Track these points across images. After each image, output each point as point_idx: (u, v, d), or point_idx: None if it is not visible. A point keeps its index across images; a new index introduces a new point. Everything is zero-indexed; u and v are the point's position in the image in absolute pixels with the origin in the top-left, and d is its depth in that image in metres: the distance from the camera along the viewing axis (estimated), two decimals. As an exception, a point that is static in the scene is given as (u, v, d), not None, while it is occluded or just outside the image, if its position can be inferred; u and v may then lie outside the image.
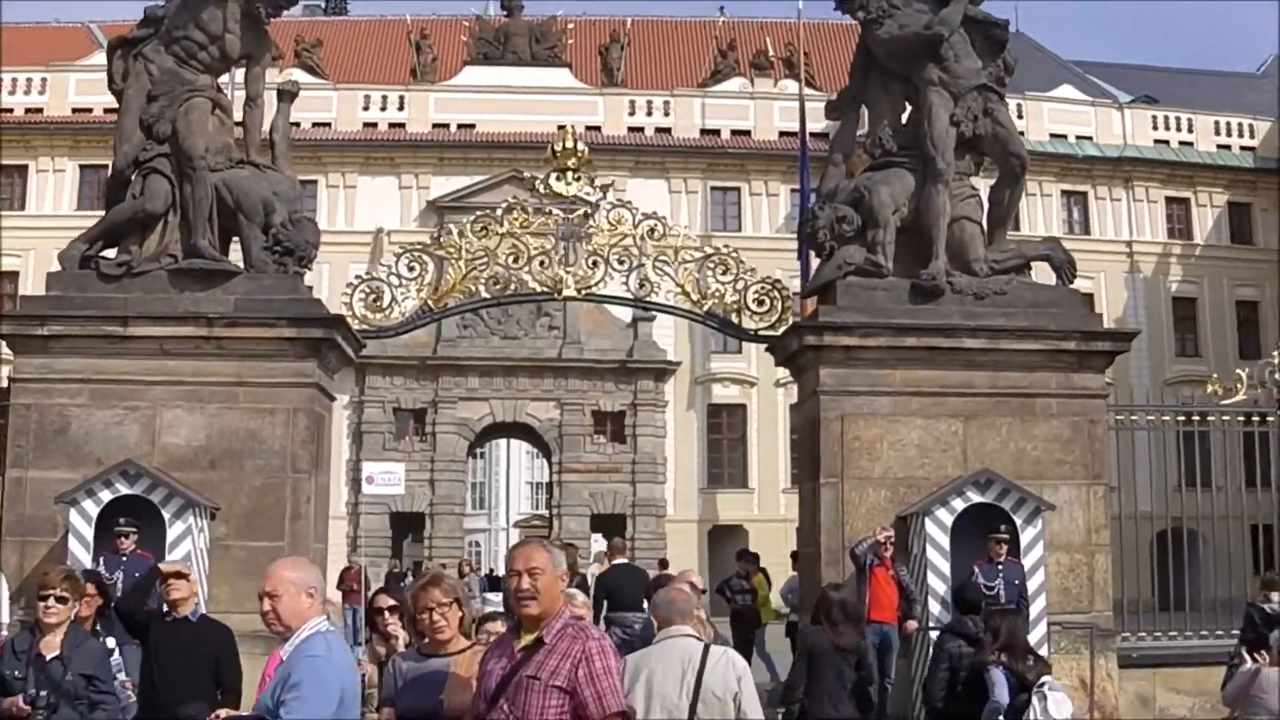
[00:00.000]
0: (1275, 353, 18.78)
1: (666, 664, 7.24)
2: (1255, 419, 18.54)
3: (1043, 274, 17.90)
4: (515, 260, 17.74)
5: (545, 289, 17.85)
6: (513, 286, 17.92)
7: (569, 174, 17.85)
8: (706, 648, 7.33)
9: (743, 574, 21.76)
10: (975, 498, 15.87)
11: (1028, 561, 15.77)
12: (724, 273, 17.75)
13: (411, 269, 17.81)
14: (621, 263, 17.80)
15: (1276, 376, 18.51)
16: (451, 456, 54.46)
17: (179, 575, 10.29)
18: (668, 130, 56.86)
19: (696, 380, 53.90)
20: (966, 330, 16.65)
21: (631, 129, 56.79)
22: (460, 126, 56.45)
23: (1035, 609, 15.70)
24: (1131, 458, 18.32)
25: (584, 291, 17.84)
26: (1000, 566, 15.43)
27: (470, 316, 54.32)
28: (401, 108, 57.25)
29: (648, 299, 17.99)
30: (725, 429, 54.38)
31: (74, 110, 54.68)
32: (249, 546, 15.81)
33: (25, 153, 53.43)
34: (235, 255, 17.07)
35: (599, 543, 53.84)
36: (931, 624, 15.40)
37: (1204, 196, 57.78)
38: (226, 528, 15.98)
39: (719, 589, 21.80)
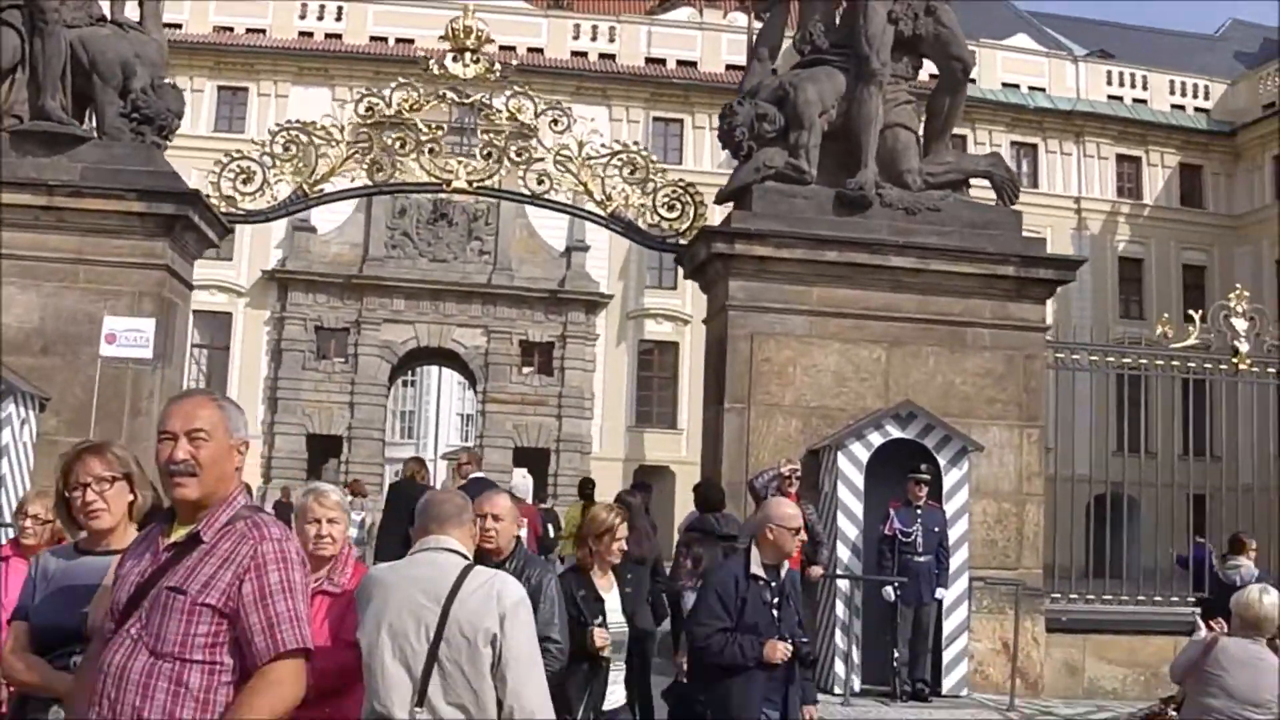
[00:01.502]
0: (1231, 296, 17.05)
1: (407, 589, 5.07)
2: (1208, 365, 16.87)
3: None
4: (402, 146, 15.96)
5: (433, 179, 16.05)
6: (397, 175, 16.05)
7: (467, 55, 15.99)
8: (467, 569, 5.10)
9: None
10: (895, 433, 14.18)
11: (950, 507, 14.11)
12: (632, 173, 16.02)
13: (287, 149, 16.00)
14: (520, 155, 15.97)
15: (1231, 321, 16.81)
16: (373, 379, 52.59)
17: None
18: (611, 57, 54.87)
19: (629, 315, 52.21)
20: (894, 247, 14.94)
21: (575, 53, 54.79)
22: (399, 41, 54.25)
23: (956, 561, 14.05)
24: (1071, 410, 16.68)
25: (475, 185, 16.02)
26: (919, 511, 13.71)
27: (399, 236, 52.86)
28: (339, 19, 55.09)
29: (545, 196, 16.14)
30: (656, 367, 52.74)
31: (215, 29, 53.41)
32: (80, 445, 13.91)
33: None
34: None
35: (527, 480, 52.25)
36: (841, 571, 13.75)
37: (1155, 156, 56.62)
38: (56, 420, 14.13)
39: (682, 544, 19.74)
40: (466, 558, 5.20)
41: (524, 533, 20.46)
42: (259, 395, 52.46)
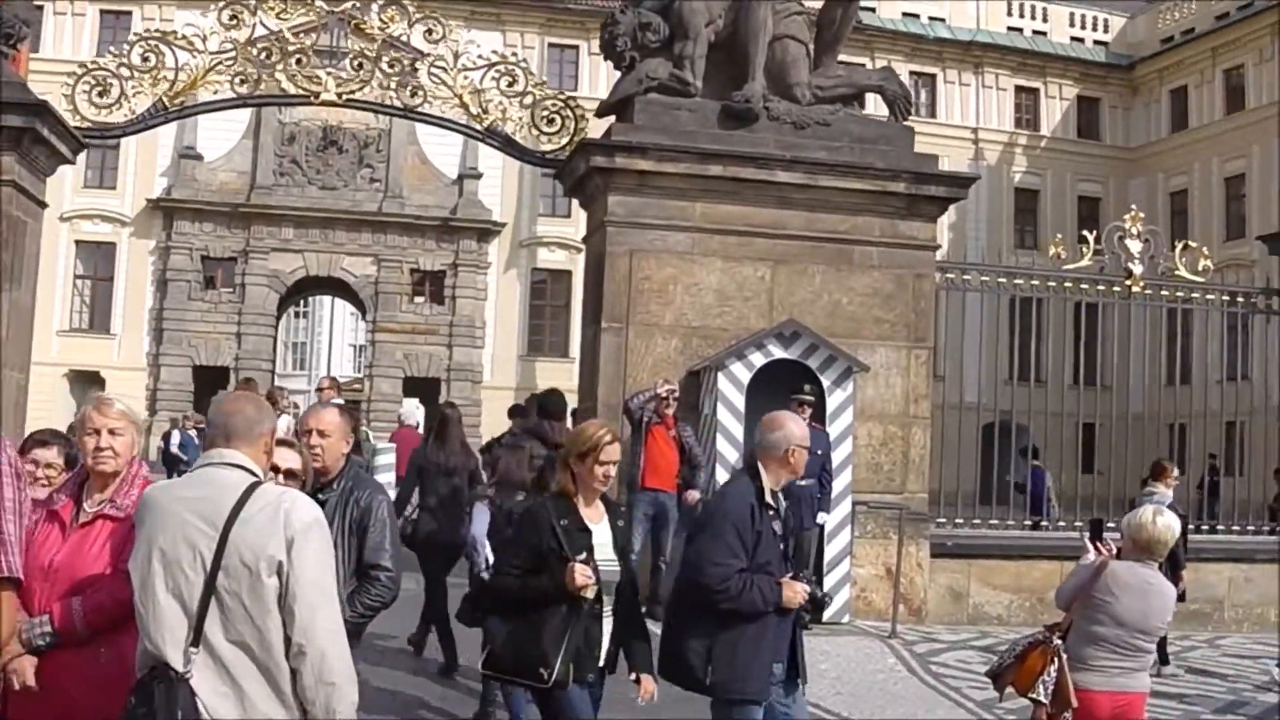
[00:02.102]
0: (1126, 218, 16.70)
1: (181, 511, 4.24)
2: (1100, 288, 16.54)
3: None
4: (269, 58, 15.17)
5: (301, 92, 15.27)
6: (263, 87, 15.27)
7: (341, -43, 15.24)
8: (252, 488, 4.27)
9: (518, 430, 18.81)
10: (778, 353, 13.73)
11: (834, 429, 13.71)
12: (510, 85, 15.32)
13: (146, 60, 15.11)
14: (392, 67, 15.26)
15: (1125, 243, 16.47)
16: (261, 309, 51.73)
17: None
18: (508, -20, 53.91)
19: (521, 243, 51.55)
20: (781, 162, 14.42)
21: (469, -25, 53.75)
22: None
23: (839, 485, 13.68)
24: (961, 335, 16.32)
25: (345, 97, 15.28)
26: (802, 433, 13.26)
27: (288, 164, 51.86)
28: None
29: (419, 110, 15.43)
30: (549, 295, 52.23)
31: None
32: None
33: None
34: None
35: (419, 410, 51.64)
36: (719, 495, 13.30)
37: (1054, 88, 56.93)
38: (-108, 346, 13.29)
39: (483, 449, 18.91)
40: (255, 475, 4.41)
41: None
42: (144, 326, 51.62)
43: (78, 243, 51.88)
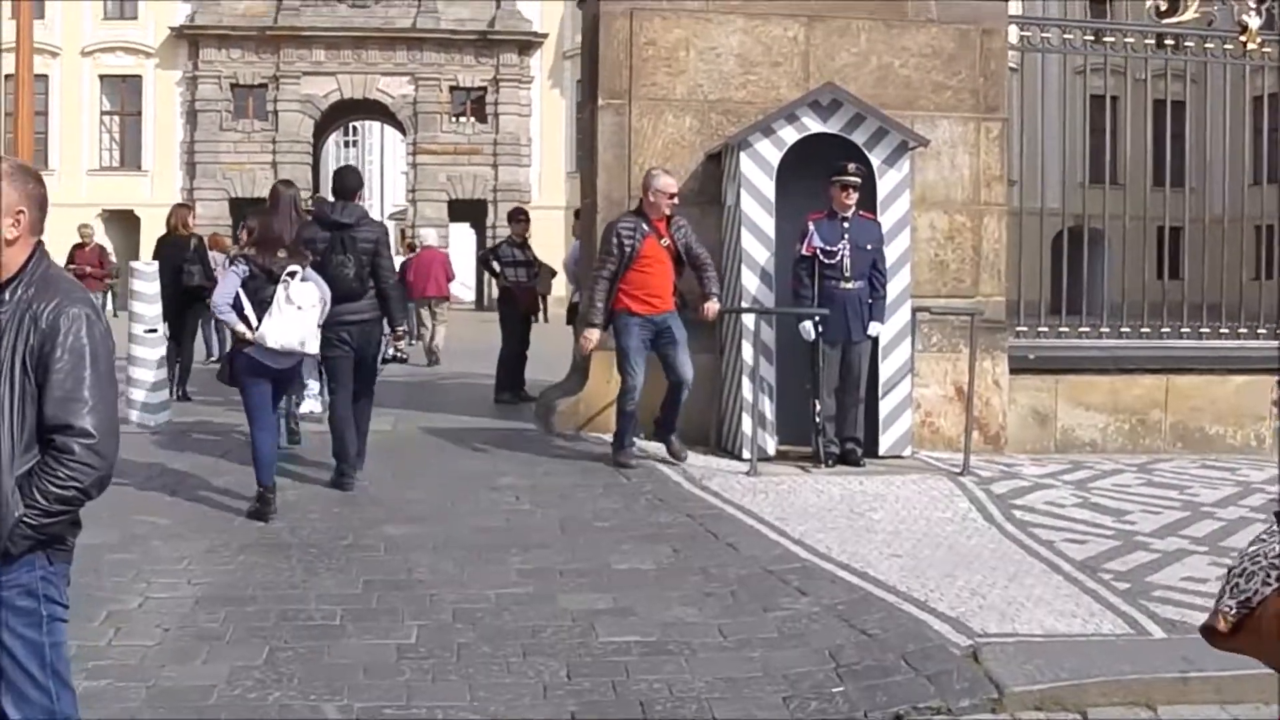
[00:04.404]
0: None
1: None
2: (1209, 45, 13.63)
3: None
4: None
5: None
6: None
7: None
8: None
9: (517, 239, 16.27)
10: (814, 126, 11.02)
11: (887, 220, 11.04)
12: None
13: None
14: None
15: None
16: (296, 137, 49.72)
17: None
18: None
19: (565, 54, 48.73)
20: (813, -114, 11.62)
21: None
22: None
23: (895, 288, 11.03)
24: (1037, 116, 13.59)
25: None
26: (846, 224, 10.63)
27: None
28: None
29: None
30: (598, 108, 49.57)
31: None
32: None
33: None
34: None
35: (459, 233, 49.75)
36: (747, 304, 10.76)
37: None
38: None
39: (482, 258, 16.53)
40: None
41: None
42: (176, 161, 49.94)
43: (101, 77, 50.04)
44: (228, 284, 9.11)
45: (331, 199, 10.70)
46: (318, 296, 8.98)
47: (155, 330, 12.63)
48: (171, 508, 8.85)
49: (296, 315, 8.79)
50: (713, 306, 10.55)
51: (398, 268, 23.44)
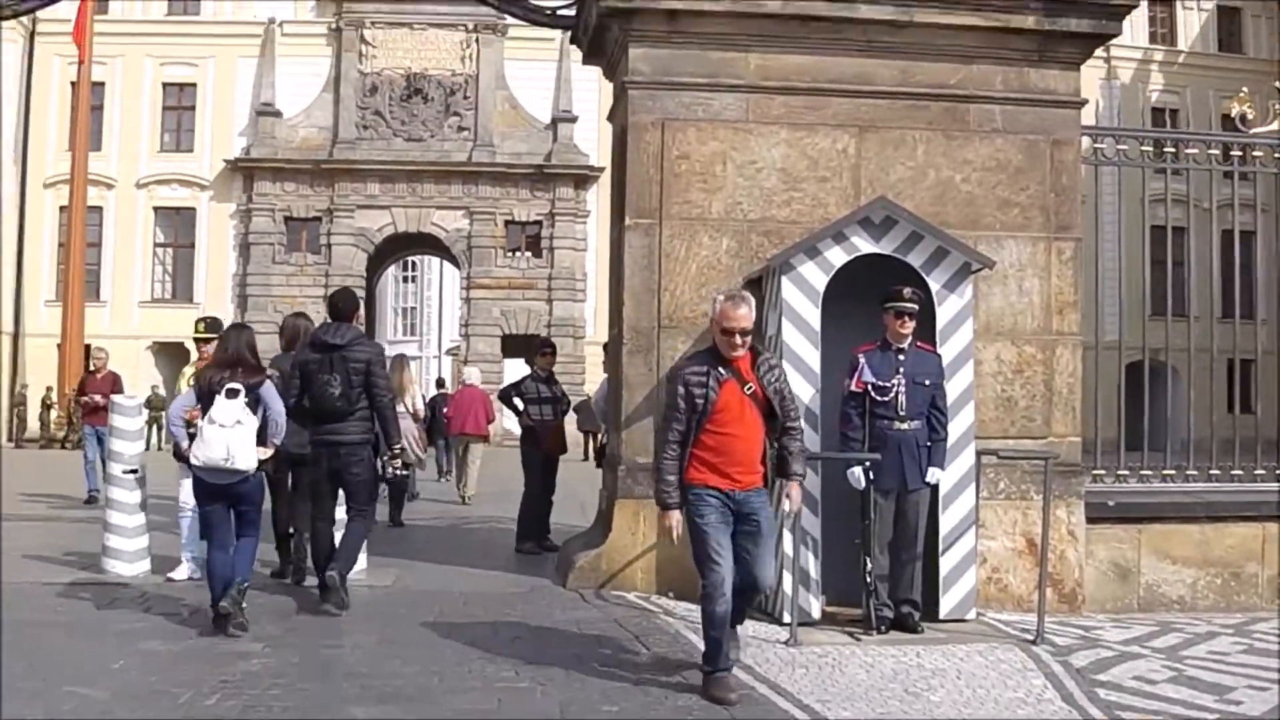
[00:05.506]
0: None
1: None
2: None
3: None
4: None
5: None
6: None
7: None
8: None
9: (542, 373, 15.01)
10: (865, 246, 9.84)
11: (948, 351, 9.82)
12: (510, -79, 11.65)
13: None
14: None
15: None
16: (349, 270, 49.12)
17: None
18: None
19: (622, 188, 48.16)
20: (864, -10, 10.55)
21: None
22: None
23: (958, 428, 9.78)
24: (1099, 232, 12.41)
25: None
26: (901, 357, 9.43)
27: (371, 116, 49.44)
28: None
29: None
30: (653, 241, 48.93)
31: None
32: None
33: None
34: None
35: (514, 369, 48.86)
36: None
37: (1190, -1, 52.87)
38: None
39: (504, 395, 15.34)
40: None
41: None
42: (228, 293, 49.74)
43: (156, 209, 50.01)
44: (178, 401, 9.59)
45: (330, 321, 10.68)
46: (240, 415, 9.04)
47: (136, 470, 11.60)
48: (113, 677, 7.62)
49: (218, 432, 8.97)
50: (797, 494, 8.03)
51: (434, 403, 23.31)
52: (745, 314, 7.57)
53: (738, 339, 7.56)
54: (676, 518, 7.60)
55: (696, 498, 7.58)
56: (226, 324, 10.91)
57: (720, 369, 7.63)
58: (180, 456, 9.57)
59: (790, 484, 7.90)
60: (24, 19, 43.51)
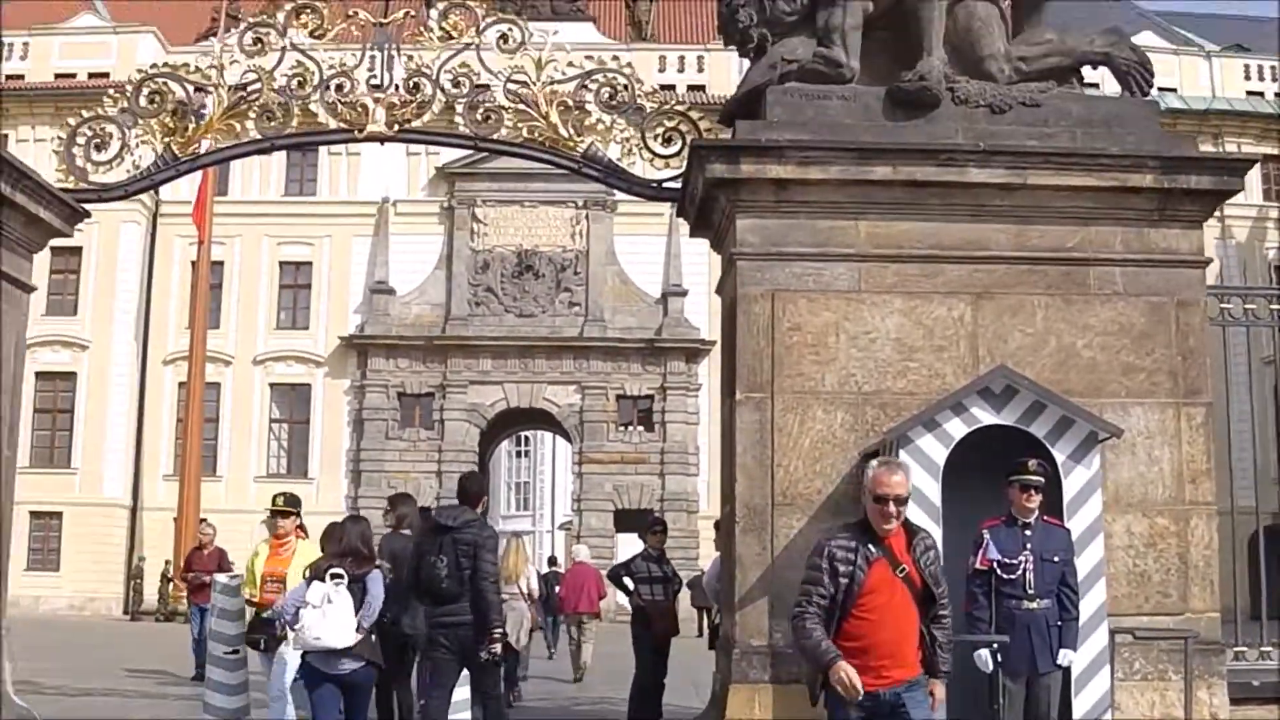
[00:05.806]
0: None
1: None
2: None
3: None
4: (301, 84, 11.78)
5: (343, 124, 11.82)
6: (295, 124, 11.86)
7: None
8: None
9: (654, 551, 14.41)
10: (985, 417, 9.51)
11: (1076, 525, 9.42)
12: (611, 98, 11.62)
13: (153, 101, 11.87)
14: (457, 85, 11.71)
15: None
16: (462, 446, 49.38)
17: None
18: None
19: (734, 361, 48.11)
20: (974, 155, 10.33)
21: None
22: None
23: (1089, 606, 9.33)
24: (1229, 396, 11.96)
25: (397, 127, 11.77)
26: (1028, 531, 9.04)
27: (483, 293, 49.88)
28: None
29: (492, 137, 11.82)
30: (767, 415, 48.75)
31: (56, 76, 51.44)
32: None
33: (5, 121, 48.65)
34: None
35: (627, 544, 48.55)
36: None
37: (1305, 154, 52.01)
38: None
39: (612, 575, 14.96)
40: None
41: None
42: (342, 469, 50.04)
43: (272, 386, 50.63)
44: (292, 593, 9.63)
45: (456, 503, 10.85)
46: (331, 594, 9.13)
47: (238, 651, 11.47)
48: None
49: (310, 613, 9.09)
50: (940, 694, 7.01)
51: (547, 579, 23.37)
52: (900, 480, 6.85)
53: (892, 507, 6.76)
54: (846, 666, 6.48)
55: (834, 703, 6.68)
56: (305, 500, 11.07)
57: (870, 546, 6.77)
58: (254, 644, 10.16)
59: (934, 683, 6.99)
60: (145, 199, 44.64)
